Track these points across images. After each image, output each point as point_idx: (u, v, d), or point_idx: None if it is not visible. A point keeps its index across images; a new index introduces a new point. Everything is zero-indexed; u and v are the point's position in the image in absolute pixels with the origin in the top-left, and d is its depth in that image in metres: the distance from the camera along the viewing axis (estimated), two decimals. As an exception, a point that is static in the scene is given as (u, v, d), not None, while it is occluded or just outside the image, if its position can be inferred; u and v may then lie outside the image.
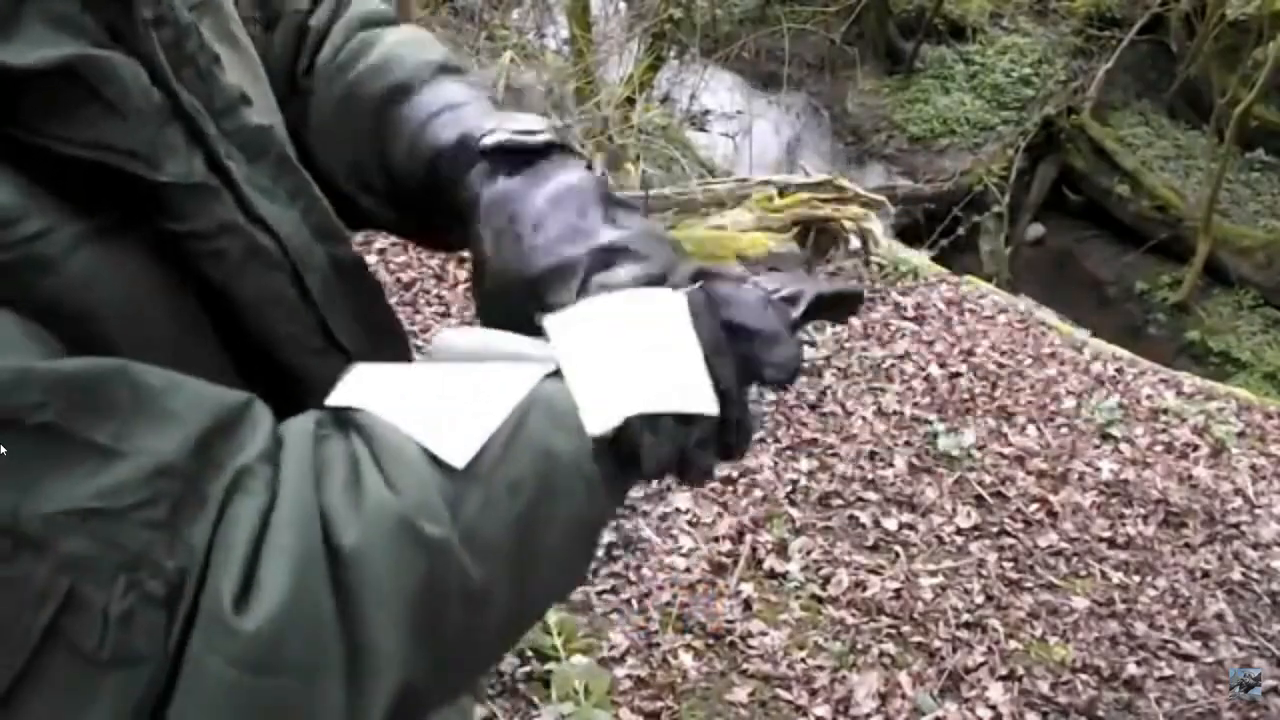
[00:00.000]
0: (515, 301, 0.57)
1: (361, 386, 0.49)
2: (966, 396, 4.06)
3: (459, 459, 0.45)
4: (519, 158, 0.61)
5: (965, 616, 2.86)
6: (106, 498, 0.39)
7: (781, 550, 2.99)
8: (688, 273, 0.56)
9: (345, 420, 0.47)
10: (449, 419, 0.46)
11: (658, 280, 0.55)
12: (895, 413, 3.83)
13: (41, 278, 0.43)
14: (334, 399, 0.48)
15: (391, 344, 0.65)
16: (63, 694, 0.38)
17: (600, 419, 0.49)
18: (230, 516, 0.42)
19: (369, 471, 0.44)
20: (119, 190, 0.47)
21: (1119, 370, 4.61)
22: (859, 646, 2.68)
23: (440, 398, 0.48)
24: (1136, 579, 3.17)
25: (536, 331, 0.54)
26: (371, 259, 4.14)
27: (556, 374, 0.50)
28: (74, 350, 0.43)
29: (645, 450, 0.50)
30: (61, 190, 0.45)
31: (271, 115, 0.62)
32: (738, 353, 0.54)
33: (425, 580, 0.43)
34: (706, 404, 0.51)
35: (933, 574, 3.00)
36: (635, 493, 3.03)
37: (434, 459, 0.45)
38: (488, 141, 0.62)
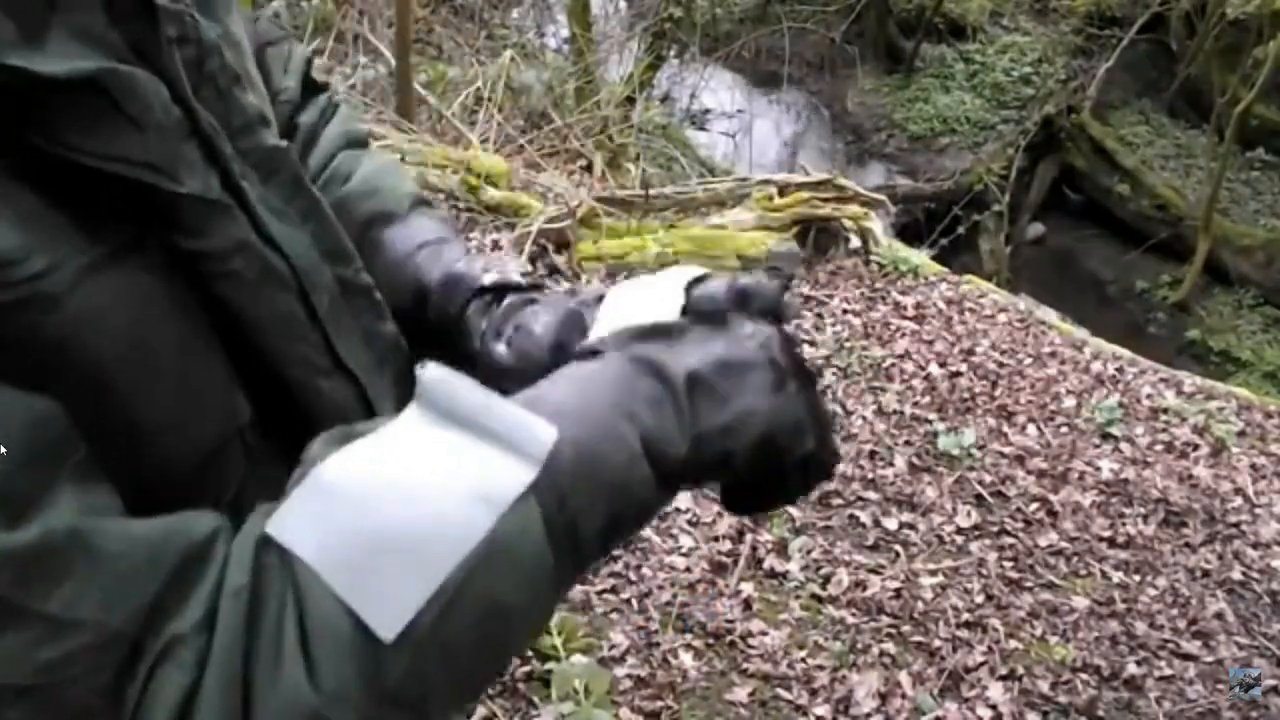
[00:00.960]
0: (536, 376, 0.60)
1: (303, 518, 0.44)
2: (966, 396, 4.06)
3: (387, 632, 0.42)
4: (512, 292, 0.71)
5: (965, 616, 2.86)
6: (53, 671, 0.39)
7: (781, 550, 2.99)
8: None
9: (283, 563, 0.43)
10: (384, 578, 0.42)
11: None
12: (895, 412, 3.83)
13: (45, 315, 0.42)
14: (274, 527, 0.44)
15: (398, 366, 0.66)
16: None
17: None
18: (157, 686, 0.41)
19: (291, 652, 0.42)
20: (134, 208, 0.47)
21: (1119, 369, 4.61)
22: (859, 646, 2.68)
23: (384, 540, 0.43)
24: (1136, 578, 3.18)
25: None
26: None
27: (527, 495, 0.45)
28: (75, 394, 0.42)
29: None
30: (75, 211, 0.45)
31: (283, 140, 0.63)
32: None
33: None
34: (668, 315, 0.58)
35: (933, 573, 3.01)
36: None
37: (363, 629, 0.42)
38: (487, 280, 0.71)
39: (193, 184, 0.50)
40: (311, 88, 0.79)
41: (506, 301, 0.70)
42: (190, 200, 0.49)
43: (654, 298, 0.60)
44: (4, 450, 0.39)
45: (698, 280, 0.60)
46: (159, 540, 0.43)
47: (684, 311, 0.58)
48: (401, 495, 0.44)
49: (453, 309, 0.71)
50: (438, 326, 0.71)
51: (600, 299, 0.65)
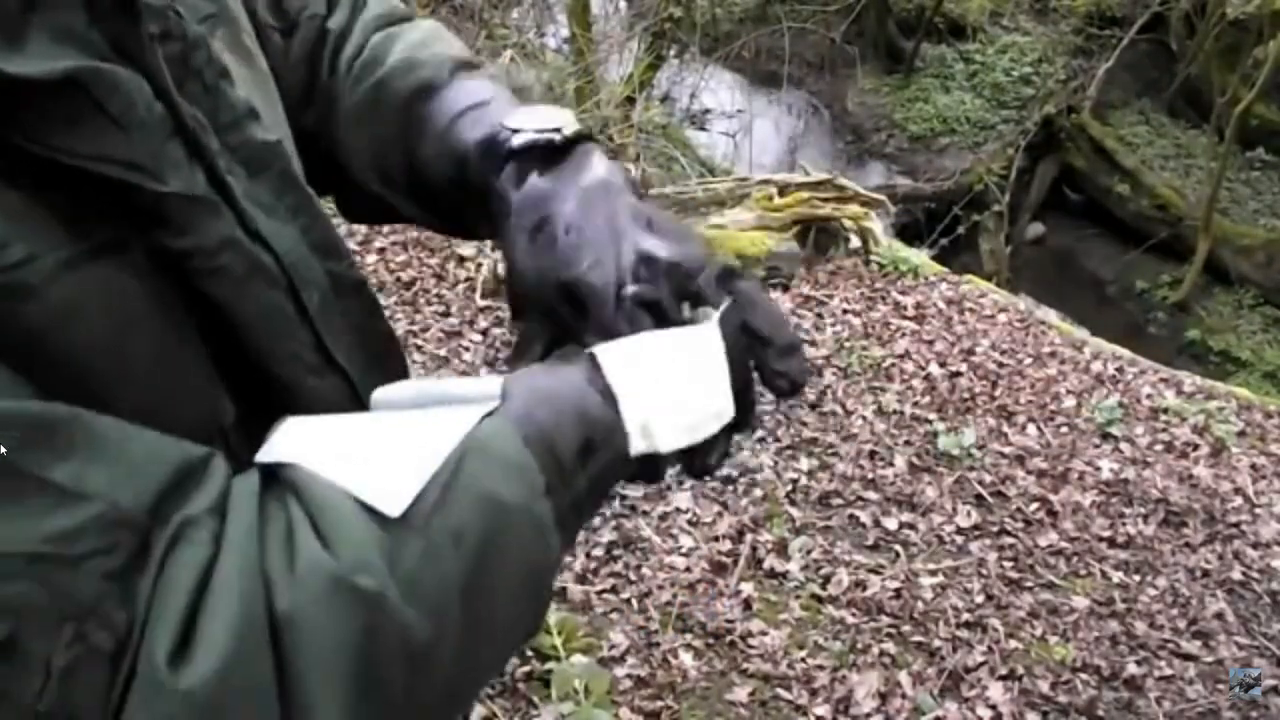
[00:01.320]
0: (551, 302, 0.59)
1: (290, 440, 0.47)
2: (966, 396, 4.06)
3: (394, 507, 0.43)
4: (547, 155, 0.63)
5: (965, 616, 2.86)
6: (60, 542, 0.37)
7: (781, 550, 2.99)
8: (714, 274, 0.58)
9: (278, 477, 0.45)
10: (382, 467, 0.45)
11: (691, 279, 0.57)
12: (895, 412, 3.83)
13: (22, 305, 0.42)
14: (263, 455, 0.46)
15: (389, 363, 0.65)
16: None
17: (641, 444, 0.53)
18: (171, 567, 0.40)
19: (303, 531, 0.43)
20: (116, 207, 0.47)
21: (1119, 369, 4.61)
22: (859, 646, 2.68)
23: (373, 446, 0.46)
24: (1136, 578, 3.18)
25: (571, 333, 0.57)
26: (371, 259, 4.14)
27: (493, 413, 0.49)
28: (50, 383, 0.42)
29: (661, 461, 0.54)
30: (56, 209, 0.44)
31: (280, 130, 0.62)
32: (755, 359, 0.57)
33: (364, 637, 0.42)
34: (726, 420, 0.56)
35: (933, 573, 3.01)
36: (635, 492, 3.03)
37: (369, 510, 0.43)
38: (516, 142, 0.64)
39: (176, 182, 0.49)
40: None
41: (541, 179, 0.62)
42: (174, 198, 0.49)
43: (701, 376, 0.54)
44: None
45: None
46: (159, 443, 0.43)
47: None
48: (381, 420, 0.48)
49: (489, 175, 0.65)
50: (482, 197, 0.66)
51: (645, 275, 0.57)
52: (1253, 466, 3.91)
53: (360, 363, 0.61)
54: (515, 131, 0.64)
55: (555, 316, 0.59)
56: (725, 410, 0.55)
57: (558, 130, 0.63)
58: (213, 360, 0.52)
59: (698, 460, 0.56)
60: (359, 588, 0.42)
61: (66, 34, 0.46)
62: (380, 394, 0.52)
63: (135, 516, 0.40)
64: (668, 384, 0.54)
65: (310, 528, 0.43)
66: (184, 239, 0.50)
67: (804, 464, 3.41)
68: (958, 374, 4.21)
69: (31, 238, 0.43)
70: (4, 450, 0.37)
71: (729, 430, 0.56)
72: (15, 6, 0.44)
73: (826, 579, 2.91)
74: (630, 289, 0.56)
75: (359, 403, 0.60)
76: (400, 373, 0.66)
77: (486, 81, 0.71)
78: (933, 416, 3.82)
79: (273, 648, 0.40)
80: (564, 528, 0.50)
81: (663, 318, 0.56)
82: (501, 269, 4.14)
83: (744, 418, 0.56)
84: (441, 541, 0.44)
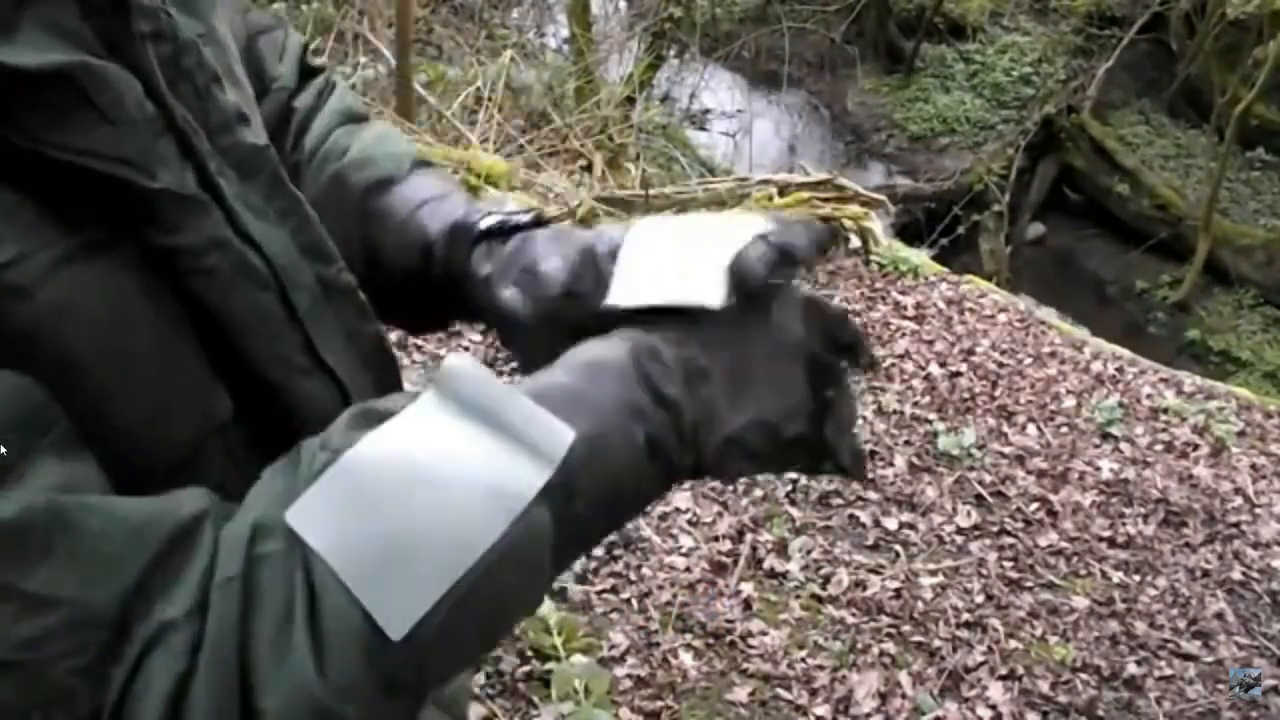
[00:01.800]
0: (571, 316, 0.61)
1: (321, 503, 0.44)
2: (966, 396, 4.06)
3: (396, 631, 0.42)
4: (514, 232, 0.68)
5: (965, 616, 2.86)
6: (32, 648, 0.38)
7: (781, 550, 2.99)
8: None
9: (297, 547, 0.43)
10: (398, 578, 0.43)
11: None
12: (895, 412, 3.83)
13: (15, 304, 0.42)
14: (294, 516, 0.44)
15: (380, 365, 0.65)
16: None
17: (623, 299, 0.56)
18: (148, 672, 0.40)
19: (300, 633, 0.42)
20: (107, 203, 0.47)
21: (1119, 369, 4.61)
22: (859, 646, 2.68)
23: (399, 538, 0.44)
24: (1136, 578, 3.18)
25: (595, 326, 0.57)
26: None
27: (544, 496, 0.46)
28: (46, 385, 0.42)
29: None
30: (47, 206, 0.44)
31: (265, 137, 0.62)
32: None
33: None
34: (711, 298, 0.54)
35: (933, 573, 3.00)
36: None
37: (373, 625, 0.42)
38: (484, 224, 0.68)
39: (167, 179, 0.49)
40: (308, 72, 0.78)
41: (510, 244, 0.67)
42: (164, 195, 0.49)
43: (687, 263, 0.56)
44: None
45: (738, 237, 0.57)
46: (143, 521, 0.42)
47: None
48: (421, 492, 0.45)
49: (457, 260, 0.68)
50: (446, 281, 0.69)
51: (617, 243, 0.61)
52: (1253, 466, 3.91)
53: (350, 365, 0.61)
54: (484, 215, 0.68)
55: (566, 333, 0.59)
56: (712, 285, 0.55)
57: (525, 212, 0.68)
58: (206, 358, 0.52)
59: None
60: (339, 715, 0.42)
61: (58, 28, 0.46)
62: (453, 376, 0.48)
63: (107, 614, 0.40)
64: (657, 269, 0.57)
65: (308, 635, 0.42)
66: (173, 237, 0.50)
67: (804, 464, 3.41)
68: (958, 374, 4.21)
69: (22, 236, 0.43)
70: None
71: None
72: (6, 0, 0.44)
73: (826, 579, 2.91)
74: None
75: (348, 404, 0.59)
76: (391, 375, 0.67)
77: (439, 179, 0.75)
78: (933, 416, 3.82)
79: None
80: (559, 572, 0.51)
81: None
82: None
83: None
84: (439, 653, 0.45)
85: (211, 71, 0.56)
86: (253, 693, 0.41)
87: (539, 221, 0.68)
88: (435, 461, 0.46)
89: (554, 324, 0.62)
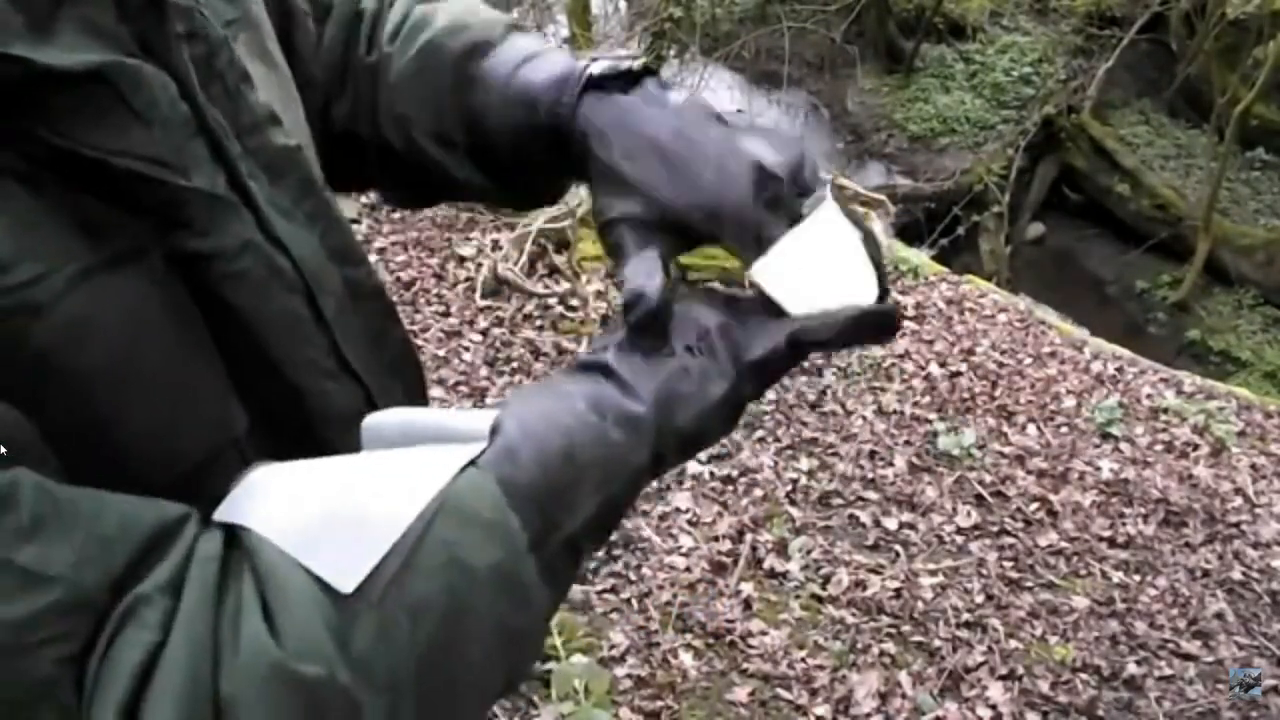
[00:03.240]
0: (680, 218, 0.57)
1: (251, 497, 0.45)
2: (966, 396, 4.06)
3: (346, 583, 0.41)
4: (625, 84, 0.61)
5: (965, 616, 2.86)
6: (20, 630, 0.37)
7: (781, 550, 2.99)
8: (811, 168, 0.58)
9: (235, 540, 0.43)
10: (340, 536, 0.42)
11: (800, 176, 0.57)
12: (895, 412, 3.83)
13: (30, 323, 0.42)
14: (222, 513, 0.44)
15: (406, 368, 0.65)
16: None
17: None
18: (117, 649, 0.39)
19: (250, 609, 0.41)
20: (137, 209, 0.47)
21: (1119, 369, 4.61)
22: (859, 646, 2.68)
23: (337, 507, 0.44)
24: (1136, 578, 3.17)
25: (694, 244, 0.57)
26: (371, 259, 4.14)
27: (475, 461, 0.46)
28: (57, 401, 0.42)
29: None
30: (76, 216, 0.44)
31: (300, 135, 0.61)
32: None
33: None
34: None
35: (933, 573, 3.01)
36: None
37: (323, 586, 0.41)
38: (594, 70, 0.62)
39: (200, 180, 0.49)
40: None
41: (618, 102, 0.61)
42: (197, 195, 0.49)
43: (844, 267, 0.56)
44: None
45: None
46: (131, 511, 0.42)
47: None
48: (352, 469, 0.46)
49: (564, 111, 0.62)
50: (553, 133, 0.63)
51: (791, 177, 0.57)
52: (1253, 466, 3.91)
53: (376, 368, 0.61)
54: (592, 61, 0.63)
55: (675, 233, 0.57)
56: (871, 283, 0.56)
57: (632, 59, 0.62)
58: (226, 367, 0.52)
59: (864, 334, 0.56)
60: (301, 675, 0.40)
61: (94, 29, 0.46)
62: (369, 423, 0.50)
63: (96, 597, 0.39)
64: (820, 278, 0.55)
65: (259, 606, 0.41)
66: (206, 240, 0.50)
67: (804, 464, 3.41)
68: (958, 374, 4.21)
69: (44, 251, 0.42)
70: None
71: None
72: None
73: (826, 579, 2.91)
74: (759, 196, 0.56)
75: (374, 407, 0.59)
76: (417, 379, 0.66)
77: (537, 39, 0.70)
78: (933, 416, 3.82)
79: None
80: (555, 577, 0.48)
81: (792, 216, 0.56)
82: (502, 269, 4.14)
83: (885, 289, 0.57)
84: (398, 618, 0.42)
85: (243, 70, 0.55)
86: (219, 678, 0.39)
87: (648, 70, 0.62)
88: (366, 459, 0.48)
89: (676, 212, 0.58)
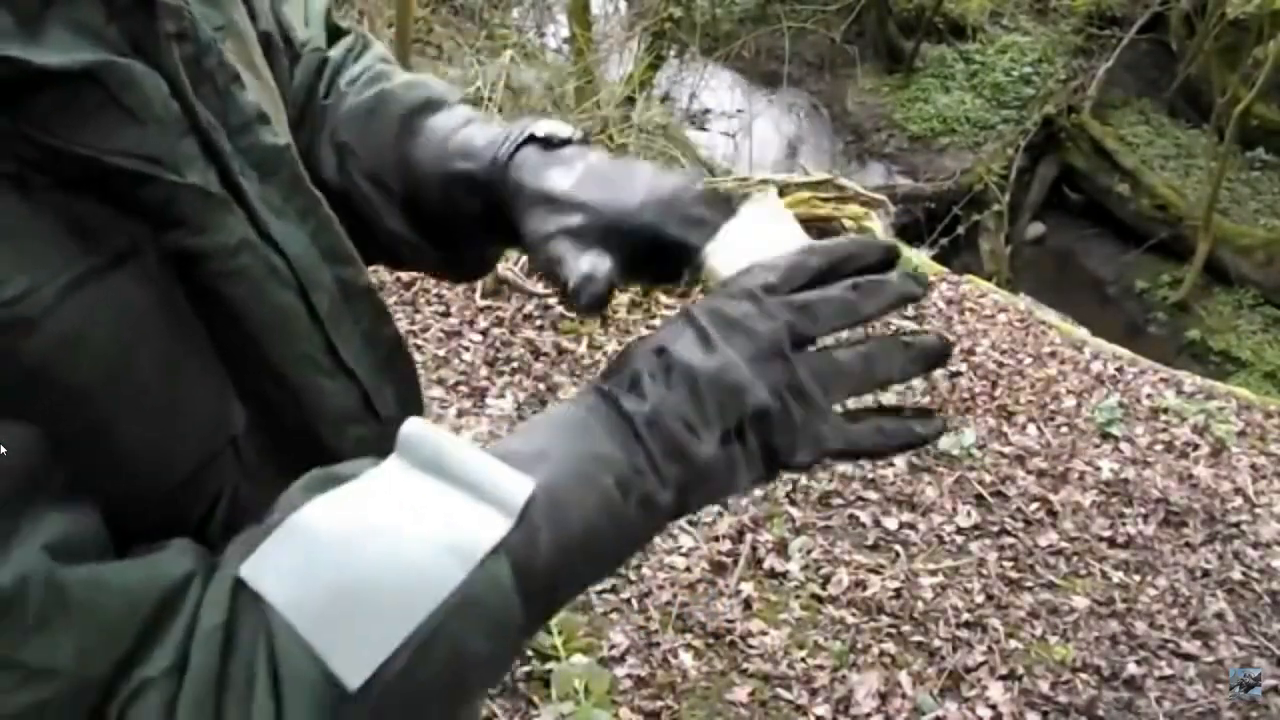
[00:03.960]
0: (621, 224, 0.59)
1: (279, 560, 0.45)
2: (967, 396, 4.06)
3: (353, 680, 0.42)
4: (566, 143, 0.65)
5: (965, 616, 2.86)
6: (25, 718, 0.39)
7: (781, 549, 2.99)
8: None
9: (255, 608, 0.44)
10: (355, 627, 0.43)
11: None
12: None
13: (22, 340, 0.41)
14: (248, 570, 0.44)
15: (399, 366, 0.65)
16: None
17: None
18: None
19: (261, 692, 0.42)
20: (131, 208, 0.47)
21: (1119, 369, 4.61)
22: (859, 646, 2.68)
23: (355, 591, 0.43)
24: (1136, 578, 3.17)
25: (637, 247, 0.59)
26: (371, 258, 4.14)
27: (499, 550, 0.46)
28: (52, 413, 0.42)
29: None
30: (69, 218, 0.44)
31: (287, 136, 0.62)
32: None
33: None
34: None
35: (933, 573, 3.01)
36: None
37: (329, 678, 0.42)
38: (537, 131, 0.65)
39: (193, 178, 0.49)
40: (335, 33, 0.79)
41: (555, 154, 0.64)
42: (191, 192, 0.49)
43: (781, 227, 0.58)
44: None
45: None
46: (136, 587, 0.42)
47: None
48: (377, 545, 0.45)
49: (502, 155, 0.65)
50: (486, 187, 0.66)
51: (726, 205, 0.59)
52: (1253, 466, 3.91)
53: (369, 367, 0.61)
54: (534, 125, 0.66)
55: (613, 247, 0.59)
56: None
57: (572, 128, 0.66)
58: (222, 365, 0.52)
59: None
60: None
61: (84, 28, 0.46)
62: (408, 431, 0.48)
63: (100, 680, 0.40)
64: (769, 251, 0.55)
65: (270, 690, 0.42)
66: (201, 238, 0.50)
67: (804, 464, 3.41)
68: (958, 374, 4.21)
69: (34, 263, 0.42)
70: None
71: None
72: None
73: (826, 579, 2.91)
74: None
75: (369, 406, 0.60)
76: (409, 376, 0.66)
77: (483, 114, 0.74)
78: (933, 416, 3.82)
79: None
80: (536, 626, 0.50)
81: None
82: (502, 269, 4.14)
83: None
84: (396, 706, 0.44)
85: (232, 71, 0.55)
86: None
87: (586, 139, 0.66)
88: (389, 515, 0.46)
89: (598, 224, 0.60)
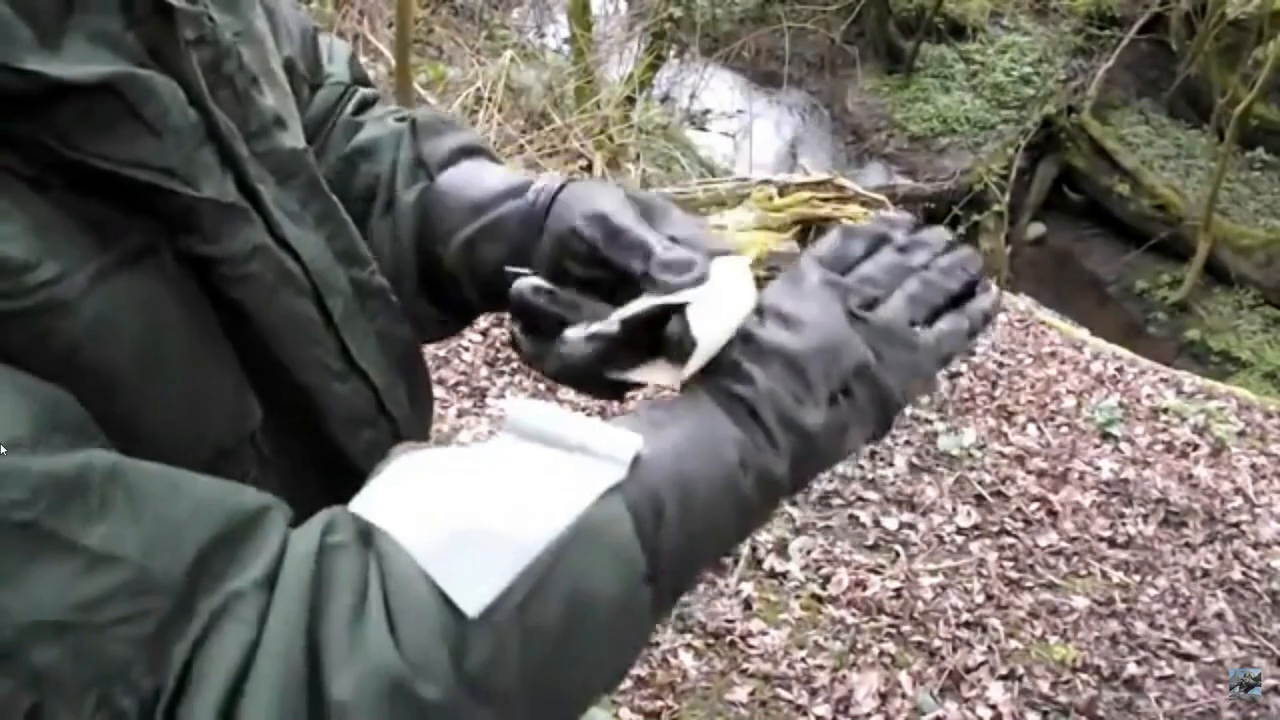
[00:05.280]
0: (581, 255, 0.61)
1: (391, 494, 0.45)
2: (966, 396, 4.06)
3: (472, 607, 0.41)
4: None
5: (965, 616, 2.86)
6: (88, 610, 0.37)
7: (781, 549, 2.99)
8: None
9: (367, 535, 0.44)
10: (472, 555, 0.42)
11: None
12: (895, 412, 3.82)
13: (57, 322, 0.42)
14: (360, 505, 0.45)
15: (413, 368, 0.65)
16: None
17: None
18: (214, 643, 0.39)
19: (375, 615, 0.41)
20: (146, 212, 0.47)
21: (1119, 369, 4.61)
22: (859, 646, 2.68)
23: (471, 522, 0.44)
24: (1136, 578, 3.17)
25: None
26: (371, 258, 4.14)
27: (616, 489, 0.46)
28: (81, 396, 0.42)
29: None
30: (86, 216, 0.44)
31: (303, 141, 0.62)
32: None
33: None
34: None
35: (933, 573, 3.01)
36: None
37: (448, 603, 0.42)
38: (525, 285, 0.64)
39: (209, 188, 0.49)
40: (359, 78, 0.79)
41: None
42: (207, 204, 0.49)
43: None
44: (28, 421, 0.39)
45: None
46: (206, 497, 0.42)
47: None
48: (493, 483, 0.45)
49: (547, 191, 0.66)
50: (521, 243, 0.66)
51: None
52: (1253, 466, 3.91)
53: (383, 368, 0.61)
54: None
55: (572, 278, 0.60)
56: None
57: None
58: (240, 365, 0.52)
59: None
60: (419, 696, 0.40)
61: (103, 38, 0.46)
62: (510, 409, 0.49)
63: (169, 581, 0.39)
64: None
65: (384, 613, 0.41)
66: (215, 245, 0.50)
67: (804, 464, 3.41)
68: (958, 374, 4.21)
69: (64, 251, 0.43)
70: (36, 515, 0.37)
71: None
72: (53, 10, 0.44)
73: (826, 579, 2.91)
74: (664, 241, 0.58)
75: (381, 407, 0.61)
76: (423, 379, 0.67)
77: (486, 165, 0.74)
78: (933, 416, 3.82)
79: None
80: (662, 610, 0.49)
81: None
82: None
83: None
84: (516, 641, 0.43)
85: (251, 75, 0.56)
86: (322, 673, 0.40)
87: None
88: (501, 463, 0.47)
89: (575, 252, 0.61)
